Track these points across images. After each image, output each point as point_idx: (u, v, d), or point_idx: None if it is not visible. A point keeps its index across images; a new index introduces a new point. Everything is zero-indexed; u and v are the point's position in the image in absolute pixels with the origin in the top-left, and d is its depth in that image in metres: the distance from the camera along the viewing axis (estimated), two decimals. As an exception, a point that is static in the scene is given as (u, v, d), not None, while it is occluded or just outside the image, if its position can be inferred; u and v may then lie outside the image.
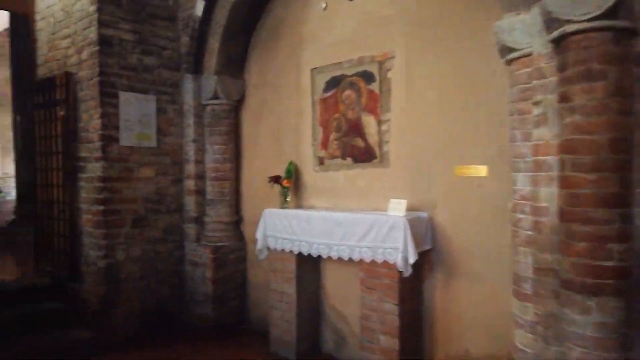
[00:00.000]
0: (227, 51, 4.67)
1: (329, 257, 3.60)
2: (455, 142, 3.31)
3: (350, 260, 3.46)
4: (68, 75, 4.38)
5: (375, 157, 3.77)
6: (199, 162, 4.77)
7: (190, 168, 4.75)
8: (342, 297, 3.95)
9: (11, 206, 8.46)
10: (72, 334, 4.11)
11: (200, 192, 4.77)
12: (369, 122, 3.79)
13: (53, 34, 4.71)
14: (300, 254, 3.83)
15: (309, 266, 3.99)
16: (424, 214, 3.43)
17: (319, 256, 3.69)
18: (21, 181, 6.33)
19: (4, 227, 6.99)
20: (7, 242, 6.48)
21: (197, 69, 4.70)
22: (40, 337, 3.98)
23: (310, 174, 4.25)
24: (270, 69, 4.61)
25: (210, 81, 4.66)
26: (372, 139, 3.78)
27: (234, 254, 4.78)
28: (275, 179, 4.21)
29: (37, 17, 4.94)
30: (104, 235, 4.18)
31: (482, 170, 3.20)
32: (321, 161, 4.16)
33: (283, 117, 4.50)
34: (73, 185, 4.41)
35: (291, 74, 4.39)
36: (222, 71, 4.69)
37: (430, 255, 3.44)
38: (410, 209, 3.40)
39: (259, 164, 4.74)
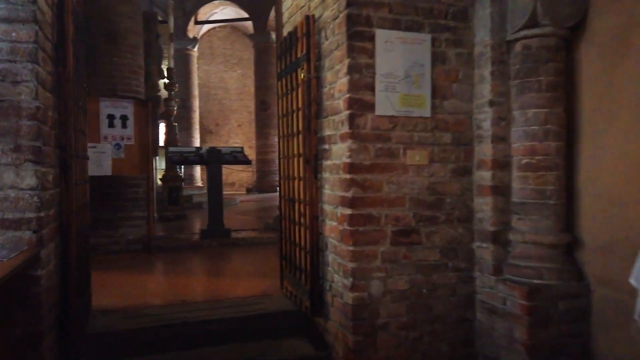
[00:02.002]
0: (556, -62, 2.59)
1: None
2: None
3: None
4: (308, 21, 3.06)
5: None
6: (500, 139, 2.83)
7: (485, 150, 2.86)
8: None
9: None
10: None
11: (501, 190, 2.84)
12: None
13: (296, -25, 3.53)
14: None
15: None
16: None
17: None
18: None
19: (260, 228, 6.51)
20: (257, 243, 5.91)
21: (497, -17, 2.79)
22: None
23: None
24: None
25: (522, -2, 2.69)
26: None
27: (566, 302, 2.67)
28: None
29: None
30: (352, 254, 2.69)
31: None
32: None
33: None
34: (314, 177, 3.09)
35: None
36: (545, -23, 2.64)
37: None
38: None
39: (619, 144, 2.52)
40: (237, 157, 6.63)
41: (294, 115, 3.36)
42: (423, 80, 2.83)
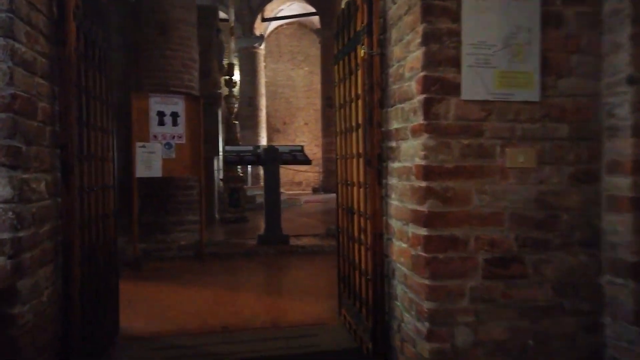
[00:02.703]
0: None
1: None
2: None
3: None
4: (371, -18, 2.37)
5: None
6: (645, 131, 1.98)
7: (621, 147, 2.02)
8: None
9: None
10: None
11: (646, 203, 1.98)
12: None
13: None
14: None
15: None
16: None
17: None
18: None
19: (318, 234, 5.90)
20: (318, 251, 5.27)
21: None
22: None
23: None
24: None
25: None
26: None
27: None
28: None
29: None
30: (429, 290, 1.96)
31: None
32: None
33: None
34: (377, 183, 2.40)
35: None
36: None
37: None
38: None
39: None
40: (296, 157, 6.06)
41: (353, 105, 2.69)
42: (529, 51, 2.04)
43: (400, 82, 2.21)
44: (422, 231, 1.98)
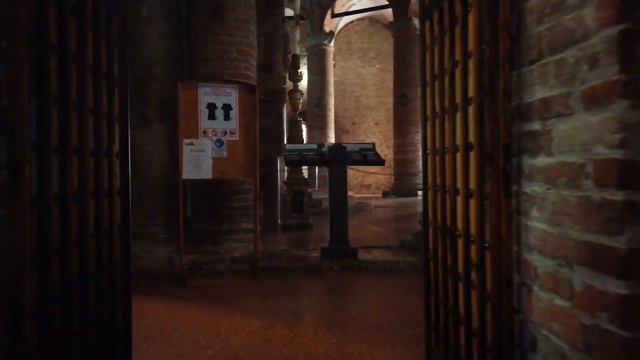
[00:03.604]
0: None
1: None
2: None
3: None
4: None
5: None
6: None
7: None
8: None
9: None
10: None
11: None
12: None
13: None
14: None
15: None
16: None
17: None
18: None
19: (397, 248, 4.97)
20: (391, 269, 4.29)
21: None
22: None
23: None
24: None
25: None
26: None
27: None
28: None
29: None
30: (631, 405, 1.01)
31: None
32: None
33: None
34: (502, 192, 1.46)
35: None
36: None
37: None
38: None
39: None
40: (366, 157, 5.17)
41: (457, 71, 1.76)
42: None
43: (555, 15, 1.27)
44: (615, 286, 1.03)
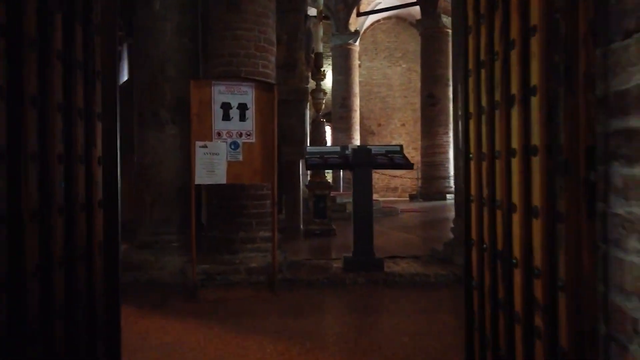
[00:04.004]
0: None
1: None
2: None
3: None
4: None
5: None
6: None
7: None
8: None
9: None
10: None
11: None
12: None
13: None
14: None
15: None
16: None
17: None
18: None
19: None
20: (420, 282, 3.88)
21: None
22: None
23: None
24: None
25: None
26: None
27: None
28: None
29: None
30: None
31: None
32: None
33: None
34: (585, 212, 1.07)
35: None
36: None
37: None
38: None
39: None
40: (393, 160, 4.78)
41: (513, 54, 1.38)
42: None
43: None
44: None
